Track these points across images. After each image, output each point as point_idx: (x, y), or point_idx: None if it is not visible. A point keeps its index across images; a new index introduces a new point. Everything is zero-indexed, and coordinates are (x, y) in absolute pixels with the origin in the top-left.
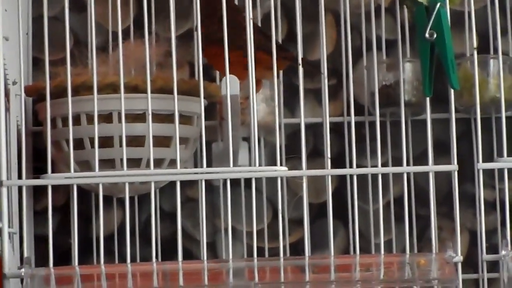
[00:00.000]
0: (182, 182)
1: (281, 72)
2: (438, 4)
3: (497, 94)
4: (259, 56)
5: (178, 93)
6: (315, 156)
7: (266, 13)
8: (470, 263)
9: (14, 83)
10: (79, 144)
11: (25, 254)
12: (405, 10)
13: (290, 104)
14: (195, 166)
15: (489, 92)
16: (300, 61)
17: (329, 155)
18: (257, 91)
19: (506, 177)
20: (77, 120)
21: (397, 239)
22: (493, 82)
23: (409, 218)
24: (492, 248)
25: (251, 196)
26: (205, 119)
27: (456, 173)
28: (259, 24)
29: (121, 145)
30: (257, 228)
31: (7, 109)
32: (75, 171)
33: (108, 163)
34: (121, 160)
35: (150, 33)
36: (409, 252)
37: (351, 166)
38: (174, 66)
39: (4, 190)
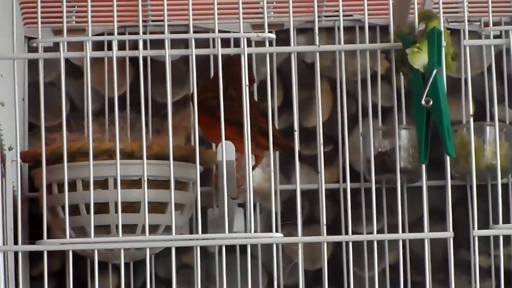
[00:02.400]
0: (177, 248)
1: None
2: (435, 71)
3: (493, 161)
4: (254, 134)
5: (174, 159)
6: (311, 223)
7: (263, 80)
8: None
9: (10, 148)
10: (74, 210)
11: None
12: (401, 77)
13: (286, 170)
14: (191, 232)
15: (485, 159)
16: (296, 127)
17: (324, 222)
18: (255, 165)
19: (501, 244)
20: (73, 186)
21: None
22: (489, 149)
23: (404, 285)
24: None
25: (247, 263)
26: (201, 185)
27: (451, 240)
28: (255, 91)
29: (116, 211)
30: None
31: (3, 175)
32: (70, 237)
33: (103, 229)
34: (117, 226)
35: (146, 99)
36: None
37: (346, 233)
38: (170, 132)
39: (0, 255)
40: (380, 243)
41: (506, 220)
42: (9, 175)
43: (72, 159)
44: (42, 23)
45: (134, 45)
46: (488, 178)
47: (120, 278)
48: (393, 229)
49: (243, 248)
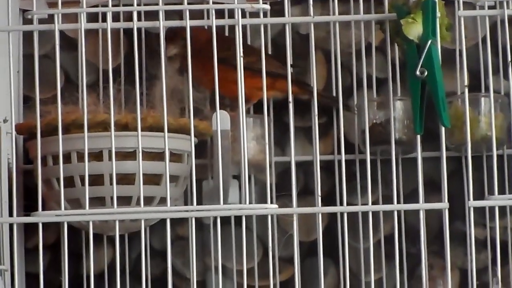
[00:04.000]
0: (172, 220)
1: (271, 109)
2: (429, 42)
3: (488, 132)
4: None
5: (168, 131)
6: (306, 194)
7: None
8: None
9: (5, 121)
10: (69, 182)
11: None
12: (396, 48)
13: (281, 142)
14: (186, 204)
15: (480, 130)
16: (290, 99)
17: (319, 193)
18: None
19: (497, 215)
20: (67, 158)
21: (388, 277)
22: (484, 121)
23: (399, 256)
24: (483, 286)
25: (242, 234)
26: (196, 157)
27: (447, 211)
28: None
29: (111, 183)
30: (248, 266)
31: None
32: (65, 209)
33: (98, 201)
34: (111, 198)
35: (140, 71)
36: None
37: (341, 204)
38: (164, 103)
39: None
40: (375, 214)
41: (501, 191)
42: (4, 147)
43: (66, 131)
44: None
45: (128, 17)
46: (483, 149)
47: (115, 250)
48: (388, 200)
49: (238, 219)
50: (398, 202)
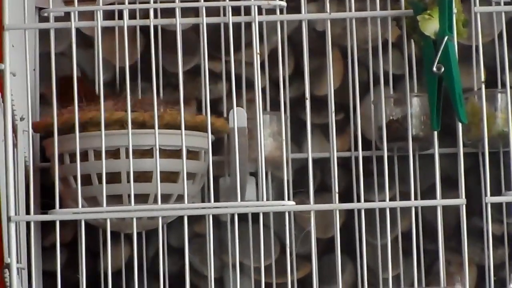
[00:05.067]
0: (189, 217)
1: (288, 106)
2: (446, 38)
3: (505, 128)
4: None
5: (185, 129)
6: (323, 191)
7: (273, 49)
8: None
9: (22, 119)
10: (86, 180)
11: None
12: (413, 45)
13: (298, 139)
14: (203, 201)
15: (497, 126)
16: (307, 95)
17: (337, 190)
18: None
19: None
20: (84, 156)
21: (405, 273)
22: (501, 117)
23: (417, 253)
24: (500, 282)
25: (259, 231)
26: (212, 154)
27: (464, 207)
28: (266, 60)
29: (128, 181)
30: (265, 263)
31: (15, 145)
32: (82, 206)
33: (115, 199)
34: (129, 195)
35: (157, 68)
36: (417, 286)
37: (358, 201)
38: (181, 101)
39: (13, 225)
40: (392, 211)
41: None
42: (21, 145)
43: (83, 129)
44: None
45: (145, 15)
46: (500, 145)
47: (132, 248)
48: (405, 197)
49: (255, 217)
50: (415, 198)
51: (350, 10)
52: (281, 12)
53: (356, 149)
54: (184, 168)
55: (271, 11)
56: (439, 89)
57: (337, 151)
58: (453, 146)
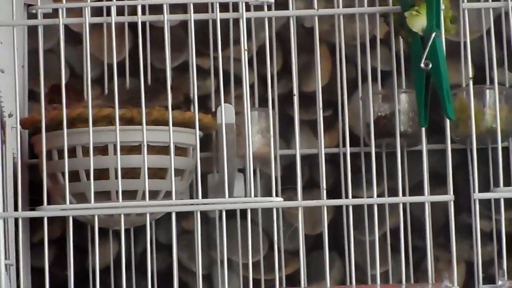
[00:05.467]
0: (177, 214)
1: (276, 103)
2: (434, 34)
3: (493, 125)
4: None
5: (173, 125)
6: (311, 188)
7: (261, 45)
8: None
9: (10, 115)
10: (74, 176)
11: (22, 286)
12: (401, 41)
13: (286, 135)
14: (191, 198)
15: (485, 122)
16: (295, 92)
17: (324, 186)
18: None
19: (502, 208)
20: (72, 153)
21: (394, 270)
22: (489, 113)
23: (405, 249)
24: (489, 279)
25: (247, 228)
26: (201, 151)
27: (452, 203)
28: (254, 56)
29: (116, 177)
30: (253, 259)
31: (3, 142)
32: (70, 203)
33: (103, 195)
34: (117, 192)
35: (145, 65)
36: (406, 283)
37: (347, 197)
38: (169, 97)
39: (1, 222)
40: (380, 207)
41: (507, 183)
42: (9, 142)
43: (71, 126)
44: None
45: (133, 11)
46: (488, 141)
47: (120, 244)
48: (393, 193)
49: (243, 213)
50: (404, 194)
51: (338, 7)
52: (269, 8)
53: (344, 145)
54: (172, 164)
55: (259, 7)
56: (427, 85)
57: (325, 147)
58: (441, 142)
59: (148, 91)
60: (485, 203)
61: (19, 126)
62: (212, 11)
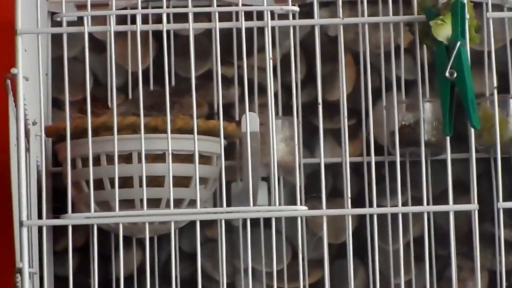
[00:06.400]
0: (201, 222)
1: (300, 111)
2: (459, 43)
3: None
4: None
5: (197, 133)
6: (335, 197)
7: (285, 54)
8: None
9: (34, 123)
10: (98, 184)
11: None
12: (425, 50)
13: (310, 144)
14: (215, 206)
15: (509, 131)
16: (320, 100)
17: (349, 195)
18: None
19: None
20: (97, 161)
21: (417, 279)
22: None
23: (429, 258)
24: None
25: (271, 236)
26: (225, 159)
27: (476, 212)
28: (278, 65)
29: (141, 185)
30: (277, 268)
31: (27, 150)
32: (95, 211)
33: (127, 204)
34: (141, 200)
35: (169, 73)
36: None
37: (371, 206)
38: (194, 106)
39: (25, 230)
40: (404, 216)
41: None
42: (33, 150)
43: (96, 134)
44: None
45: (157, 20)
46: None
47: (144, 252)
48: (417, 202)
49: (267, 222)
50: (427, 204)
51: (363, 15)
52: (294, 17)
53: (368, 154)
54: (196, 172)
55: (283, 16)
56: (452, 94)
57: (349, 156)
58: (465, 151)
59: (171, 94)
60: (508, 212)
61: (43, 134)
62: (237, 20)
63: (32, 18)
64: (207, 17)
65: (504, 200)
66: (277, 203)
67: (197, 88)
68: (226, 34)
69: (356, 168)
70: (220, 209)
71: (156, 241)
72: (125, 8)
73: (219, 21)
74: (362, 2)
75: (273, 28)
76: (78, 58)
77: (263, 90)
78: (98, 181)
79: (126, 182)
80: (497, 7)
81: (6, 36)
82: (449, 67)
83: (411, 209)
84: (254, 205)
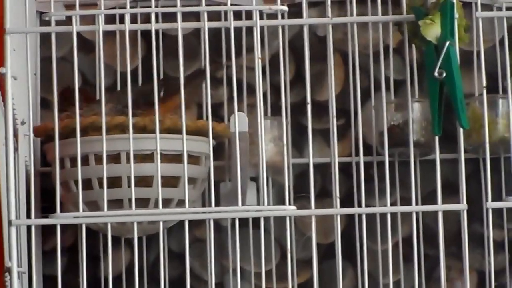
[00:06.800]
0: (190, 222)
1: (288, 111)
2: (448, 43)
3: (506, 134)
4: None
5: (186, 133)
6: (323, 197)
7: (274, 53)
8: None
9: (23, 123)
10: (87, 184)
11: None
12: (414, 50)
13: (298, 144)
14: (203, 206)
15: (498, 132)
16: (309, 100)
17: (338, 194)
18: None
19: None
20: (85, 161)
21: (406, 279)
22: (502, 122)
23: (417, 258)
24: None
25: (259, 236)
26: (213, 159)
27: (465, 212)
28: (267, 65)
29: (129, 185)
30: (266, 268)
31: (16, 149)
32: (83, 211)
33: (116, 204)
34: (129, 200)
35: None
36: None
37: (359, 206)
38: (182, 106)
39: (13, 229)
40: (393, 216)
41: None
42: (22, 149)
43: (84, 134)
44: None
45: (146, 19)
46: (501, 151)
47: (132, 252)
48: (405, 203)
49: (255, 222)
50: (416, 204)
51: (351, 15)
52: (282, 16)
53: (357, 154)
54: (185, 172)
55: (272, 16)
56: (441, 94)
57: (338, 156)
58: (454, 151)
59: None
60: (497, 212)
61: (31, 134)
62: (226, 19)
63: (21, 17)
64: (196, 16)
65: (493, 200)
66: (265, 203)
67: (185, 86)
68: (214, 34)
69: (345, 168)
70: (209, 208)
71: (144, 241)
72: (114, 8)
73: (208, 20)
74: (351, 2)
75: (262, 28)
76: (66, 58)
77: (251, 90)
78: (86, 181)
79: (114, 182)
80: (486, 7)
81: None
82: (438, 67)
83: (400, 209)
84: (242, 205)
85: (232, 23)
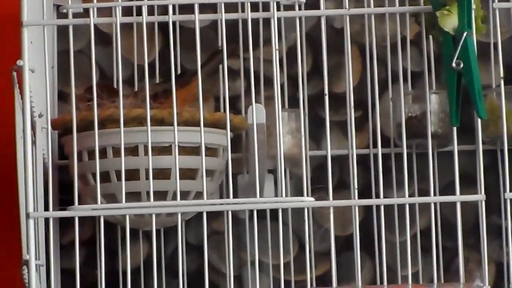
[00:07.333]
0: (207, 215)
1: (306, 103)
2: (465, 33)
3: None
4: None
5: (204, 126)
6: (341, 189)
7: (291, 45)
8: None
9: (40, 116)
10: (105, 177)
11: (52, 287)
12: (431, 42)
13: (316, 136)
14: (221, 198)
15: None
16: (326, 91)
17: (356, 186)
18: None
19: None
20: (103, 153)
21: (424, 270)
22: None
23: (435, 250)
24: None
25: (277, 228)
26: (231, 151)
27: (483, 203)
28: (284, 57)
29: (147, 178)
30: (284, 260)
31: (33, 142)
32: (101, 204)
33: (134, 196)
34: (147, 193)
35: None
36: (436, 283)
37: (377, 197)
38: (200, 98)
39: (31, 222)
40: (411, 208)
41: None
42: (39, 142)
43: (102, 126)
44: None
45: (163, 12)
46: None
47: (151, 245)
48: (423, 195)
49: (273, 214)
50: (434, 195)
51: (369, 6)
52: (300, 8)
53: (374, 146)
54: (203, 165)
55: (289, 7)
56: (458, 84)
57: (355, 148)
58: (471, 143)
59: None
60: None
61: (49, 127)
62: (243, 11)
63: (38, 10)
64: (213, 8)
65: (510, 191)
66: (283, 195)
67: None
68: (231, 26)
69: (363, 160)
70: (227, 200)
71: (162, 234)
72: (131, 0)
73: (225, 12)
74: None
75: (279, 20)
76: (83, 51)
77: (269, 82)
78: (104, 174)
79: (132, 174)
80: None
81: (12, 28)
82: (455, 58)
83: (418, 199)
84: (260, 197)
85: (250, 15)
